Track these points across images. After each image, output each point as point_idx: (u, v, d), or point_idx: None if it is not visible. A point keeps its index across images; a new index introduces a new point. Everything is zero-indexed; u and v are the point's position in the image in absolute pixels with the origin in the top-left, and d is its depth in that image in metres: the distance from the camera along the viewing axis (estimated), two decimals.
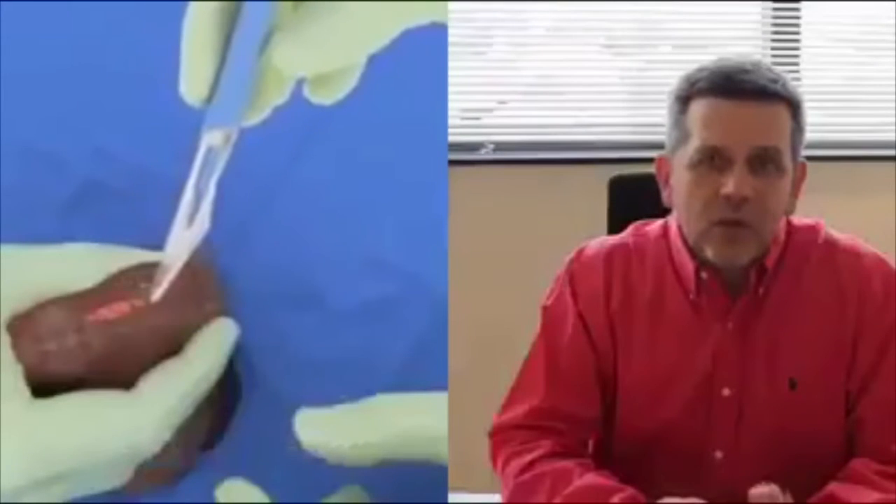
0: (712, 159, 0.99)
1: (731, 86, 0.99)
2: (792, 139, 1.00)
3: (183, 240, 0.68)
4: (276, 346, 0.83)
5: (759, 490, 0.94)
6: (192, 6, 0.63)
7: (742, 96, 0.98)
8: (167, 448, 0.72)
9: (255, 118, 0.66)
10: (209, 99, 0.64)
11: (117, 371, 0.71)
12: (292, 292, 0.85)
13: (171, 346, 0.73)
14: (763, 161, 0.98)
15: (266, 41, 0.63)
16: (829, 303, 1.03)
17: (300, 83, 0.66)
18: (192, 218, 0.68)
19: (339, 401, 0.69)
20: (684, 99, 1.01)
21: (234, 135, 0.66)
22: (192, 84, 0.64)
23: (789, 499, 0.94)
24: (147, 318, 0.72)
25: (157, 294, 0.70)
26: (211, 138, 0.65)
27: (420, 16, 0.64)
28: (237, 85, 0.64)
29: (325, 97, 0.67)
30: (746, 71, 0.99)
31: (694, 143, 1.00)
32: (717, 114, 0.99)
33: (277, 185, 0.87)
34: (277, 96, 0.66)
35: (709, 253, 1.00)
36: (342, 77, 0.67)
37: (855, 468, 0.99)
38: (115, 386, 0.71)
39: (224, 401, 0.80)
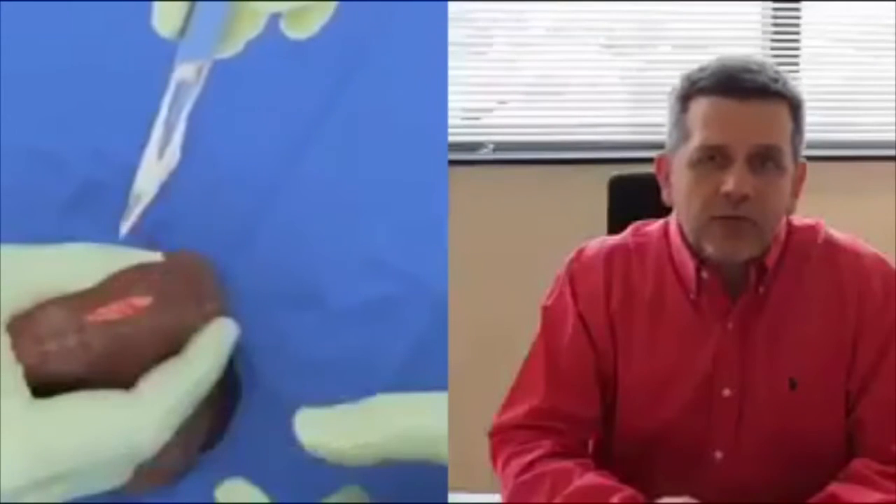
0: (713, 158, 0.99)
1: (732, 84, 0.99)
2: (792, 138, 1.00)
3: (153, 172, 0.68)
4: (276, 345, 0.83)
5: None
6: None
7: (743, 95, 0.98)
8: (167, 448, 0.72)
9: (228, 52, 0.66)
10: (182, 32, 0.64)
11: (117, 371, 0.71)
12: (292, 292, 0.85)
13: (171, 346, 0.73)
14: (763, 159, 0.98)
15: None
16: (829, 303, 1.03)
17: (275, 18, 0.66)
18: (162, 151, 0.68)
19: (339, 401, 0.69)
20: (685, 98, 1.01)
21: (207, 68, 0.66)
22: (165, 17, 0.64)
23: None
24: (147, 318, 0.72)
25: (125, 227, 0.70)
26: (182, 71, 0.65)
27: None
28: (210, 18, 0.63)
29: (300, 31, 0.68)
30: (748, 70, 0.99)
31: (695, 142, 1.00)
32: (718, 112, 0.99)
33: (277, 185, 0.87)
34: (251, 30, 0.66)
35: (709, 249, 1.00)
36: (316, 11, 0.67)
37: (856, 468, 0.99)
38: (115, 386, 0.71)
39: (224, 401, 0.80)
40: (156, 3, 0.63)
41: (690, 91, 1.01)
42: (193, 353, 0.74)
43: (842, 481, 0.98)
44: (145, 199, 0.69)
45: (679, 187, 1.02)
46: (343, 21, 0.74)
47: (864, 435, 1.03)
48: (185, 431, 0.74)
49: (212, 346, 0.75)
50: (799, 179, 1.03)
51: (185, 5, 0.63)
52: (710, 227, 1.00)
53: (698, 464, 1.04)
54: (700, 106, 1.00)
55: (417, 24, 0.85)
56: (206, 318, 0.76)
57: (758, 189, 0.97)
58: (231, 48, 0.66)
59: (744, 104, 0.98)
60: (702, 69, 1.01)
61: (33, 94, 0.88)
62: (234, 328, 0.77)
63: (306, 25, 0.68)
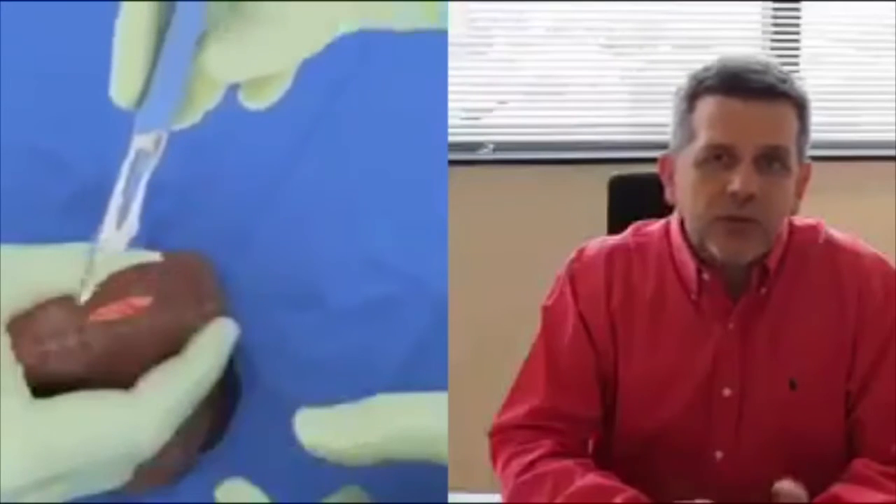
0: (719, 157, 0.98)
1: (738, 84, 0.98)
2: (798, 139, 1.00)
3: (112, 243, 0.69)
4: (276, 345, 0.83)
5: (783, 486, 0.94)
6: (124, 7, 0.63)
7: (750, 95, 0.98)
8: (167, 448, 0.72)
9: (185, 122, 0.66)
10: (139, 102, 0.64)
11: (117, 371, 0.71)
12: (292, 292, 0.85)
13: (171, 346, 0.73)
14: (770, 160, 0.98)
15: (198, 45, 0.63)
16: (829, 303, 1.03)
17: (233, 88, 0.66)
18: (122, 221, 0.68)
19: (339, 401, 0.69)
20: (691, 97, 1.01)
21: (164, 138, 0.66)
22: (123, 87, 0.64)
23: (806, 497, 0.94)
24: (147, 318, 0.72)
25: (84, 296, 0.70)
26: (141, 141, 0.66)
27: (352, 21, 0.64)
28: (168, 88, 0.64)
29: (258, 102, 0.68)
30: (754, 70, 0.99)
31: (701, 141, 0.99)
32: (724, 112, 0.99)
33: (277, 185, 0.87)
34: (209, 101, 0.66)
35: (713, 248, 1.00)
36: (274, 83, 0.67)
37: (858, 469, 0.99)
38: (115, 386, 0.71)
39: (224, 401, 0.80)
40: (113, 74, 0.64)
41: (696, 90, 1.01)
42: (193, 353, 0.74)
43: (845, 482, 0.97)
44: (104, 272, 0.69)
45: (684, 186, 1.02)
46: None
47: (863, 435, 1.02)
48: (185, 431, 0.74)
49: (212, 346, 0.75)
50: (803, 180, 1.03)
51: (142, 76, 0.63)
52: (715, 227, 0.99)
53: (698, 463, 1.04)
54: (706, 105, 1.00)
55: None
56: (206, 318, 0.76)
57: (763, 189, 0.97)
58: (189, 118, 0.66)
59: (751, 104, 0.98)
60: (707, 69, 1.01)
61: (33, 94, 0.88)
62: (234, 328, 0.77)
63: (264, 96, 0.67)
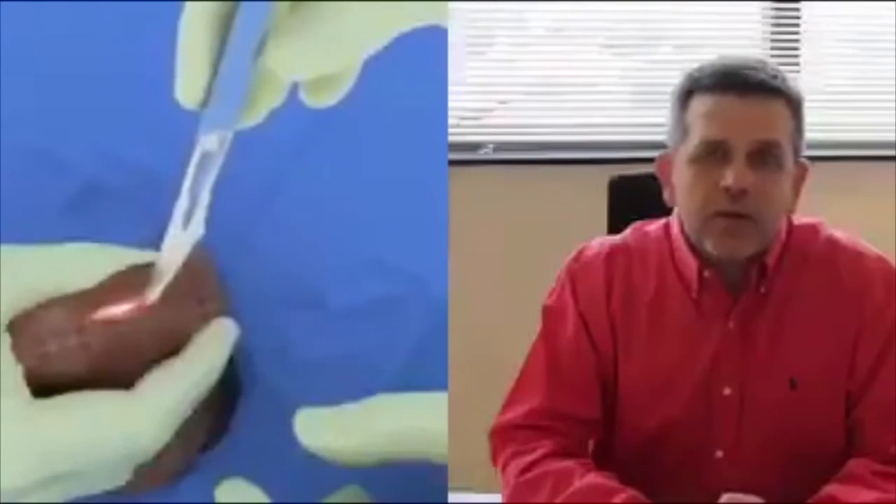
0: (713, 153, 0.99)
1: (731, 81, 0.99)
2: (792, 136, 1.01)
3: (178, 243, 0.68)
4: (276, 346, 0.83)
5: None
6: (187, 7, 0.63)
7: (742, 91, 0.99)
8: (167, 448, 0.72)
9: (250, 121, 0.66)
10: (205, 102, 0.64)
11: (117, 371, 0.71)
12: (293, 292, 0.85)
13: (171, 346, 0.73)
14: (763, 155, 0.98)
15: (262, 44, 0.63)
16: (829, 302, 1.03)
17: (296, 86, 0.66)
18: (187, 222, 0.68)
19: (340, 401, 0.69)
20: (685, 95, 1.02)
21: (229, 139, 0.66)
22: (188, 88, 0.63)
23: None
24: (147, 318, 0.72)
25: (152, 296, 0.70)
26: (206, 142, 0.66)
27: (417, 18, 0.64)
28: (233, 88, 0.63)
29: (321, 101, 0.67)
30: (747, 66, 1.00)
31: (695, 138, 1.00)
32: (717, 108, 1.00)
33: (278, 186, 0.87)
34: (273, 99, 0.66)
35: (709, 245, 1.00)
36: (338, 80, 0.67)
37: (853, 469, 0.99)
38: (115, 386, 0.71)
39: (224, 401, 0.80)
40: (178, 75, 0.63)
41: (690, 88, 1.01)
42: (193, 353, 0.74)
43: (839, 482, 0.98)
44: (170, 271, 0.69)
45: (680, 184, 1.03)
46: None
47: (863, 435, 1.03)
48: (185, 431, 0.74)
49: (212, 347, 0.75)
50: (800, 179, 1.03)
51: (206, 76, 0.63)
52: (711, 223, 1.00)
53: (699, 463, 1.04)
54: (700, 102, 1.01)
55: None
56: (207, 318, 0.76)
57: (757, 185, 0.98)
58: (253, 118, 0.66)
59: (743, 100, 0.99)
60: (701, 67, 1.02)
61: (34, 94, 0.88)
62: (235, 328, 0.77)
63: (328, 94, 0.67)
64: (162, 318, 0.72)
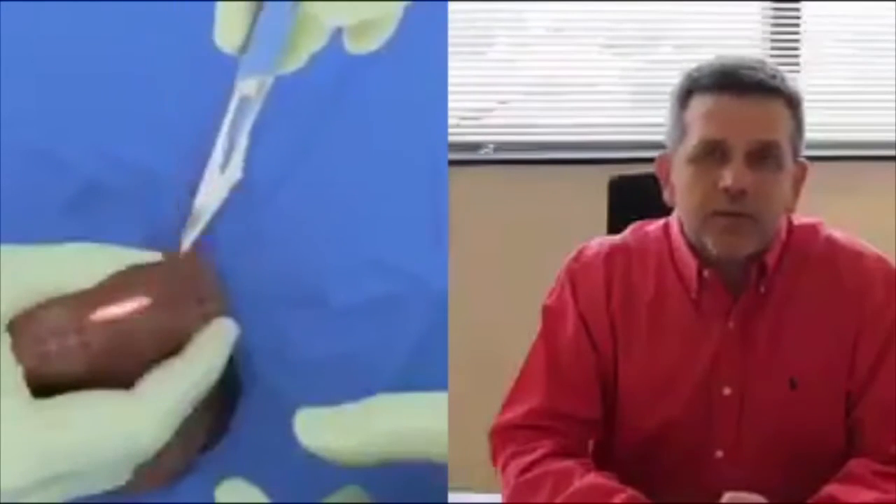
0: (712, 153, 0.99)
1: (730, 81, 0.99)
2: (792, 135, 1.01)
3: (215, 187, 0.68)
4: (276, 346, 0.83)
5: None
6: None
7: (741, 91, 0.99)
8: (167, 448, 0.72)
9: (291, 66, 0.66)
10: (243, 48, 0.63)
11: (117, 371, 0.71)
12: (292, 292, 0.85)
13: (172, 347, 0.73)
14: (762, 155, 0.98)
15: None
16: (829, 302, 1.03)
17: (339, 33, 0.66)
18: (225, 166, 0.68)
19: (340, 401, 0.69)
20: (684, 95, 1.02)
21: (269, 83, 0.65)
22: (227, 32, 0.63)
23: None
24: (147, 318, 0.72)
25: (187, 243, 0.70)
26: (244, 87, 0.65)
27: None
28: (272, 33, 0.63)
29: (362, 46, 0.67)
30: (746, 67, 1.00)
31: (694, 137, 1.00)
32: (716, 108, 1.00)
33: (278, 186, 0.87)
34: (315, 43, 0.65)
35: (709, 244, 1.00)
36: (380, 26, 0.66)
37: (852, 469, 0.99)
38: (115, 386, 0.70)
39: (224, 401, 0.80)
40: (217, 19, 0.63)
41: (689, 88, 1.01)
42: (193, 353, 0.74)
43: (839, 482, 0.98)
44: (207, 214, 0.69)
45: (679, 184, 1.03)
46: None
47: (863, 434, 1.03)
48: (185, 432, 0.74)
49: (212, 347, 0.75)
50: (799, 179, 1.03)
51: (246, 21, 0.62)
52: (710, 223, 1.00)
53: (699, 463, 1.04)
54: (699, 102, 1.01)
55: (417, 24, 0.85)
56: (207, 319, 0.76)
57: (756, 185, 0.98)
58: (294, 63, 0.65)
59: (742, 100, 0.99)
60: (700, 67, 1.02)
61: (34, 94, 0.88)
62: (234, 328, 0.77)
63: (369, 40, 0.67)
64: (162, 317, 0.72)
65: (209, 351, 0.74)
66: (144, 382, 0.71)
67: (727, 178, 0.97)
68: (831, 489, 0.97)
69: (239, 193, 0.81)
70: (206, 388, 0.74)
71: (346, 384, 0.73)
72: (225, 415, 0.81)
